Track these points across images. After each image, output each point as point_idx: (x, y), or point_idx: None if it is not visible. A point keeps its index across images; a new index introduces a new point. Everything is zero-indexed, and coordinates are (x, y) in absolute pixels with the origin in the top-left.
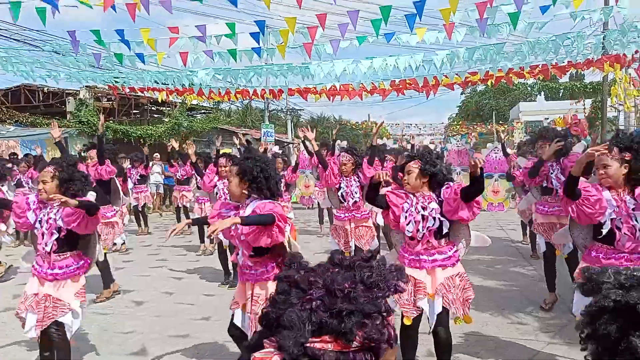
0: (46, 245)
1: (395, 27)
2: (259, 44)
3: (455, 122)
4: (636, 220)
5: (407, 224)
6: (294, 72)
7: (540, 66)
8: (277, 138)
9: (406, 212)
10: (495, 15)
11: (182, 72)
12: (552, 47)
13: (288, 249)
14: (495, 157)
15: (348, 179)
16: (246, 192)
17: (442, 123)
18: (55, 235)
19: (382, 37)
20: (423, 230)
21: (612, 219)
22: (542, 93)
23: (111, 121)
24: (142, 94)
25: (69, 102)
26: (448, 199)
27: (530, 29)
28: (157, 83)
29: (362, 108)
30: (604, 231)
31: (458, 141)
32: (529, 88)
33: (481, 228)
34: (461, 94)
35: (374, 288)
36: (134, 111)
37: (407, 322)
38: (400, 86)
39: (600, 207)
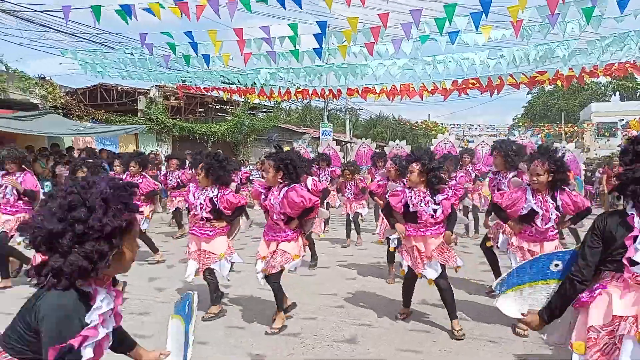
0: (202, 217)
1: (460, 25)
2: (320, 45)
3: (520, 123)
4: (548, 212)
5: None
6: (354, 72)
7: (616, 64)
8: (335, 137)
9: (408, 200)
10: (568, 11)
11: (246, 72)
12: (631, 43)
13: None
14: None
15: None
16: (280, 180)
17: (506, 124)
18: (209, 209)
19: (445, 36)
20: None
21: (534, 210)
22: (617, 93)
23: (178, 119)
24: (208, 94)
25: (140, 100)
26: (445, 206)
27: (600, 24)
28: (223, 83)
29: (422, 107)
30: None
31: (523, 133)
32: (603, 87)
33: None
34: (528, 93)
35: None
36: (200, 109)
37: (417, 276)
38: (463, 86)
39: (518, 208)
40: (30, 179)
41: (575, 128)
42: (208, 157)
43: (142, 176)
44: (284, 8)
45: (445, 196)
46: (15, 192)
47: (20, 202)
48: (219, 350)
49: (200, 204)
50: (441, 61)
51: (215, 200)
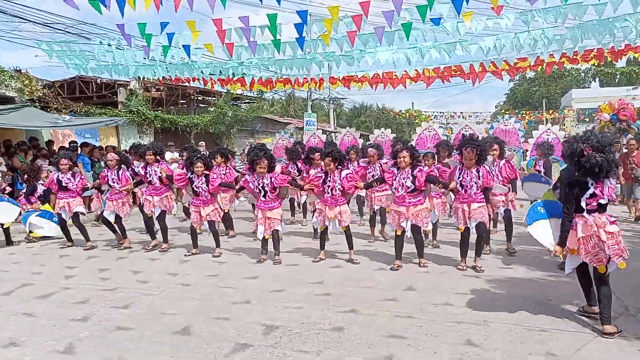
0: (265, 194)
1: (442, 11)
2: (301, 35)
3: (503, 111)
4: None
5: (395, 185)
6: (336, 60)
7: (595, 50)
8: (319, 127)
9: (396, 179)
10: None
11: (228, 62)
12: (608, 29)
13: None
14: (547, 139)
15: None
16: (336, 167)
17: (489, 112)
18: (269, 188)
19: (428, 23)
20: (403, 187)
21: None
22: (597, 79)
23: (159, 111)
24: (189, 84)
25: (120, 92)
26: (420, 179)
27: (584, 12)
28: (203, 73)
29: (406, 96)
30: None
31: (506, 120)
32: (583, 74)
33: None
34: (509, 81)
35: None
36: (181, 101)
37: (398, 233)
38: (446, 73)
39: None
40: (168, 167)
41: (557, 114)
42: (267, 154)
43: (228, 168)
44: (262, 2)
45: (418, 168)
46: (158, 178)
47: (161, 185)
48: (203, 341)
49: (263, 187)
50: (426, 48)
51: (272, 183)
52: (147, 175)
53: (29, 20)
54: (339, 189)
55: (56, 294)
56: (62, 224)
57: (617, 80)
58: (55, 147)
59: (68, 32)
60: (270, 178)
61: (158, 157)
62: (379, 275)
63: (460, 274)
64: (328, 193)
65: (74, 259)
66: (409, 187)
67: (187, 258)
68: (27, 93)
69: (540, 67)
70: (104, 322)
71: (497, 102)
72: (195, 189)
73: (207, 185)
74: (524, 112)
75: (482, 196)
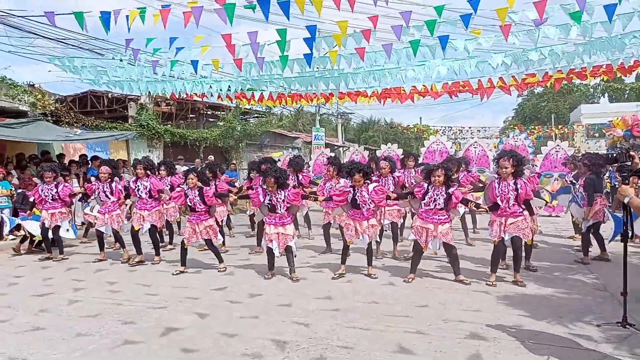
0: (279, 209)
1: (449, 30)
2: (310, 50)
3: (511, 126)
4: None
5: (426, 200)
6: (345, 78)
7: (604, 66)
8: (327, 141)
9: (427, 194)
10: (556, 15)
11: (237, 78)
12: (618, 45)
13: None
14: (556, 155)
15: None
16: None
17: (498, 127)
18: (282, 204)
19: (436, 40)
20: (434, 203)
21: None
22: (606, 94)
23: (169, 125)
24: (199, 99)
25: (130, 106)
26: (456, 198)
27: (593, 29)
28: (212, 88)
29: (414, 111)
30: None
31: (516, 136)
32: (592, 89)
33: (536, 235)
34: (518, 96)
35: None
36: (191, 115)
37: (424, 250)
38: (454, 88)
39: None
40: (157, 181)
41: (566, 129)
42: (276, 170)
43: (218, 181)
44: (267, 20)
45: (454, 188)
46: (147, 191)
47: (151, 199)
48: (211, 356)
49: (277, 203)
50: (433, 65)
51: (287, 198)
52: (137, 190)
53: (43, 37)
54: (369, 203)
55: (64, 307)
56: (44, 234)
57: (626, 95)
58: (66, 161)
59: (81, 48)
60: (284, 194)
61: (148, 172)
62: (388, 289)
63: (470, 289)
64: (362, 208)
65: (83, 271)
66: (440, 205)
67: (193, 271)
68: (39, 107)
69: (549, 82)
70: (112, 335)
71: (506, 117)
72: (189, 202)
73: (202, 199)
74: (532, 127)
75: (520, 210)
